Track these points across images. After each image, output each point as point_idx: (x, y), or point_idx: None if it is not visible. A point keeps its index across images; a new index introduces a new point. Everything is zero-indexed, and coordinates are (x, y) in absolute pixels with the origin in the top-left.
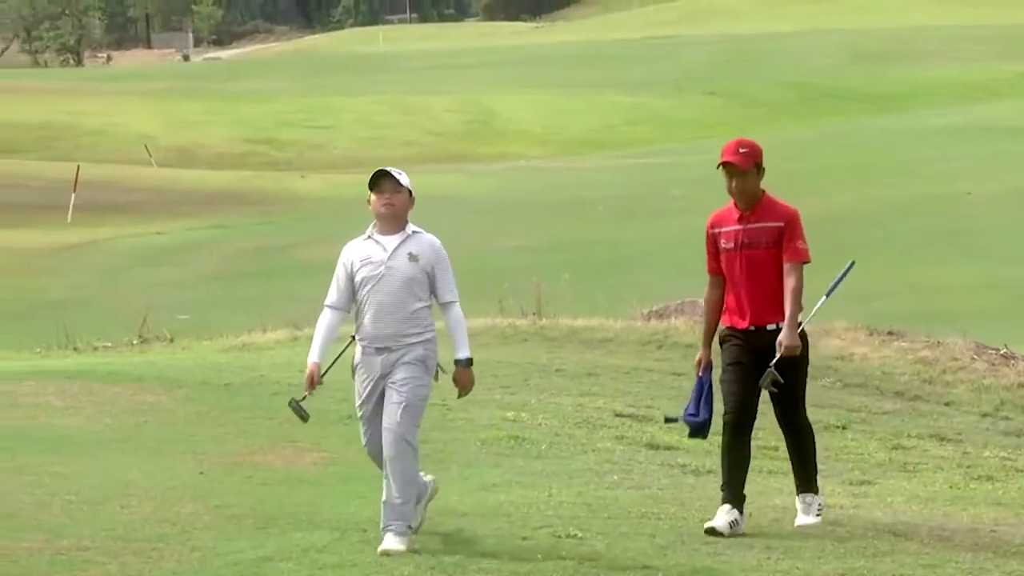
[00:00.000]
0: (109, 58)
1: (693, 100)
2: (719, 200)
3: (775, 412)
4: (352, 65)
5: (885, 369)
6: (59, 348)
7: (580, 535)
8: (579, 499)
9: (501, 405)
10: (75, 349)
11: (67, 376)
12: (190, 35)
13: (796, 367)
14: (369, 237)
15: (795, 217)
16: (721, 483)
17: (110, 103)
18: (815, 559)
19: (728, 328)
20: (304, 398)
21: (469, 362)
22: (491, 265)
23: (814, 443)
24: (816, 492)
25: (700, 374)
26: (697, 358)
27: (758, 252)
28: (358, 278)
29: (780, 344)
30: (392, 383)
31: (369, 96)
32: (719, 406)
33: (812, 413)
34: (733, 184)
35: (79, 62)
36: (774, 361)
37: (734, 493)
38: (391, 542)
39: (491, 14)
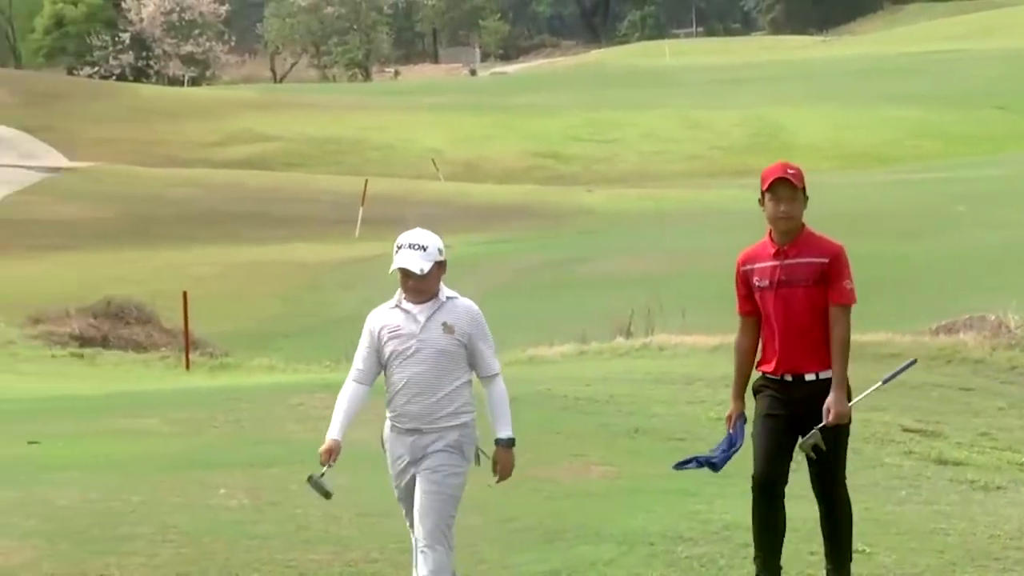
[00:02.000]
0: (397, 73)
1: (981, 115)
2: (1008, 215)
3: (811, 482)
4: (638, 79)
5: None
6: (348, 362)
7: (868, 550)
8: (867, 514)
9: None
10: None
11: None
12: (477, 50)
13: (838, 432)
14: (397, 305)
15: (842, 253)
16: (754, 555)
17: (398, 118)
18: None
19: (762, 376)
20: (323, 473)
21: (511, 442)
22: None
23: (851, 522)
24: None
25: (731, 429)
26: (728, 412)
27: (796, 291)
28: (387, 351)
29: (828, 410)
30: (424, 470)
31: (655, 110)
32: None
33: None
34: (781, 208)
35: (367, 77)
36: (821, 425)
37: (770, 567)
38: None
39: (777, 28)
